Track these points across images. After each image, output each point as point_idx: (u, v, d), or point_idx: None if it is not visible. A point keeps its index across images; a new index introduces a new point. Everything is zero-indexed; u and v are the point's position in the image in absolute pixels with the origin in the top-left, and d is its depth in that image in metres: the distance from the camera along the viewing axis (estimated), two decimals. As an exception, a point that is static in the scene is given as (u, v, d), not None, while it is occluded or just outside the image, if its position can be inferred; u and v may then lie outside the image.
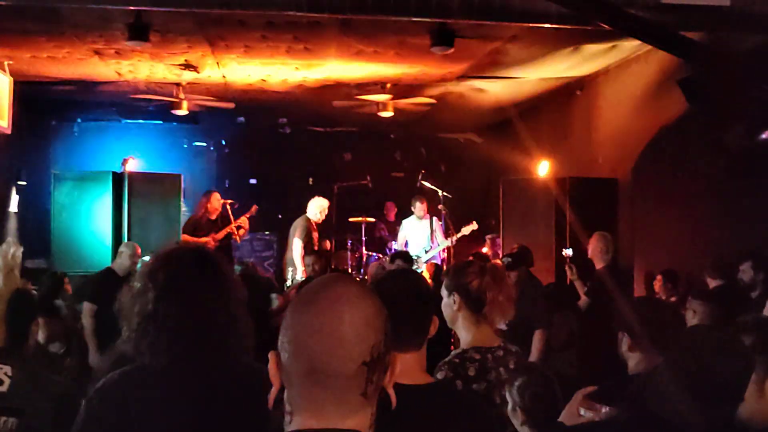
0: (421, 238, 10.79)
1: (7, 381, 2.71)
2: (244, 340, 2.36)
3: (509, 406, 3.20)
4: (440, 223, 10.79)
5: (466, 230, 10.40)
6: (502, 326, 6.78)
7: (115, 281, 7.35)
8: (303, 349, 1.48)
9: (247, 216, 10.79)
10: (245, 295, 2.42)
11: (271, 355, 1.54)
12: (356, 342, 1.47)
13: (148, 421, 2.15)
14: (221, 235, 10.36)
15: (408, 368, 2.40)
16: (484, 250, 10.92)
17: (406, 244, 10.84)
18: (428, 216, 10.79)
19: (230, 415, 2.19)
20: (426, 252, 10.55)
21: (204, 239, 10.02)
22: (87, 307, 7.29)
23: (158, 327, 2.22)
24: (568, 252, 8.23)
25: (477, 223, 10.52)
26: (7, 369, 2.74)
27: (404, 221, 11.07)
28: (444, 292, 3.33)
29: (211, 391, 2.20)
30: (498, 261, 8.81)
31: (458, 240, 10.52)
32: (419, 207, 10.77)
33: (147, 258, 8.03)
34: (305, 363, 1.47)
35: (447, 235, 10.73)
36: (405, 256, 7.99)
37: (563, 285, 8.10)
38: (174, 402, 2.17)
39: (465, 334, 3.26)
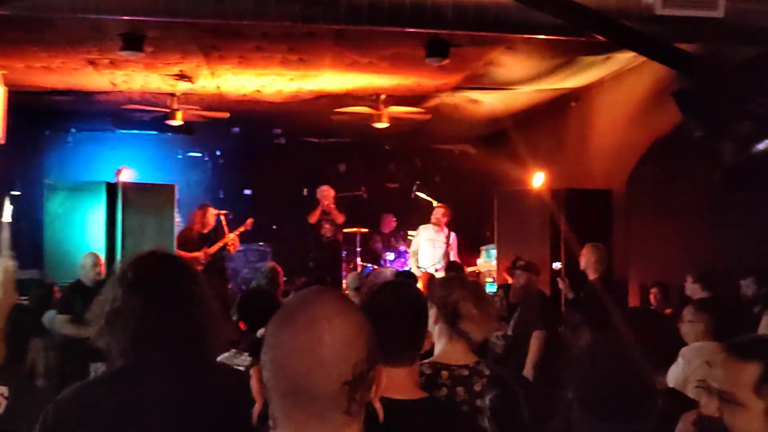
0: (434, 251, 10.31)
1: (3, 403, 2.65)
2: (213, 344, 2.36)
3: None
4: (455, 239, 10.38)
5: (480, 264, 10.27)
6: (509, 331, 6.86)
7: (87, 293, 7.35)
8: (282, 369, 1.46)
9: (242, 229, 10.79)
10: (216, 305, 2.40)
11: (253, 371, 1.52)
12: (336, 362, 1.44)
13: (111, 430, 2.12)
14: (214, 249, 10.36)
15: (399, 382, 2.38)
16: (479, 261, 10.89)
17: (418, 253, 10.48)
18: (445, 228, 10.32)
19: (194, 416, 2.16)
20: (436, 271, 9.98)
21: (196, 254, 10.02)
22: (61, 318, 7.33)
23: (123, 324, 2.21)
24: (558, 265, 8.25)
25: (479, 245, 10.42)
26: (4, 390, 2.68)
27: (421, 227, 10.60)
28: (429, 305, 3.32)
29: (176, 393, 2.17)
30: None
31: (457, 253, 10.46)
32: (437, 211, 10.36)
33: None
34: (285, 383, 1.45)
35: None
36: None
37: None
38: (137, 407, 2.14)
39: (437, 347, 3.20)
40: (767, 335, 4.67)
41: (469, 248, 11.10)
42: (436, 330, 3.19)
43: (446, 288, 3.24)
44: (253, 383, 1.51)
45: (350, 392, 1.45)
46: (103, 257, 8.15)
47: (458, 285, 3.24)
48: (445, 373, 3.09)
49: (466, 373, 3.11)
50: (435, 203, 10.78)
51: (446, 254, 10.22)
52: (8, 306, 2.90)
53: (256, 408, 1.50)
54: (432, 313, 3.19)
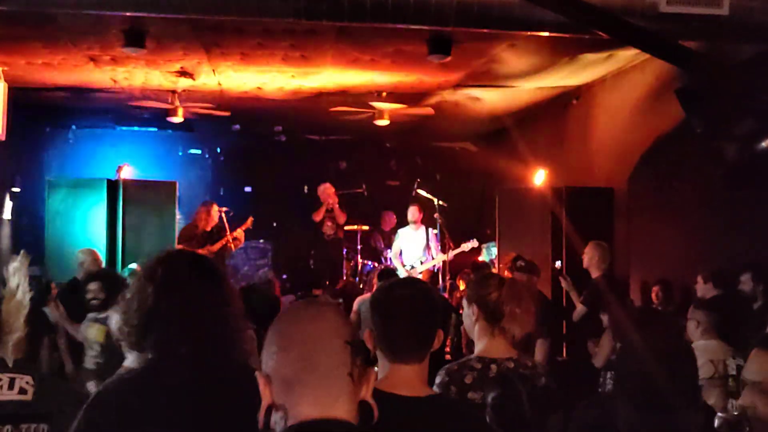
0: (415, 248, 10.71)
1: (30, 390, 2.79)
2: (242, 344, 2.36)
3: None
4: (435, 233, 10.70)
5: (465, 247, 10.34)
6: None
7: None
8: (289, 340, 1.65)
9: (243, 228, 10.80)
10: (241, 304, 2.40)
11: (258, 376, 1.66)
12: (336, 327, 1.67)
13: (148, 425, 2.13)
14: (217, 247, 10.37)
15: (409, 380, 2.37)
16: (481, 258, 10.89)
17: (401, 254, 10.80)
18: (422, 224, 10.73)
19: (229, 416, 2.17)
20: (421, 263, 10.51)
21: (199, 251, 10.02)
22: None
23: (162, 322, 2.21)
24: (557, 264, 8.26)
25: (477, 240, 10.48)
26: (28, 378, 2.82)
27: (400, 230, 11.00)
28: (464, 303, 3.35)
29: (211, 392, 2.18)
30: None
31: (438, 246, 10.57)
32: (411, 211, 10.75)
33: (134, 265, 8.05)
34: (294, 353, 1.63)
35: (443, 245, 10.71)
36: (390, 274, 7.77)
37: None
38: (174, 404, 2.15)
39: (478, 344, 3.25)
40: None
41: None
42: (476, 328, 3.24)
43: (485, 287, 3.28)
44: (261, 386, 1.65)
45: (352, 353, 1.64)
46: (101, 254, 8.13)
47: (497, 284, 3.27)
48: (494, 366, 3.12)
49: (512, 365, 3.16)
50: (436, 201, 10.84)
51: (427, 248, 10.61)
52: (27, 306, 2.98)
53: (263, 408, 1.64)
54: (472, 311, 3.22)
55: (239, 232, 10.68)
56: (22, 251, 3.07)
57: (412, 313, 2.42)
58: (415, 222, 10.74)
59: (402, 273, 10.50)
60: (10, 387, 2.80)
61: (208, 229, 10.48)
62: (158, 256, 2.38)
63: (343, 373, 1.61)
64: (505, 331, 3.20)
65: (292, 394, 1.60)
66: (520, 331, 3.23)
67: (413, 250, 10.73)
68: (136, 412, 2.13)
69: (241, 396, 2.16)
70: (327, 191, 11.83)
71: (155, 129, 13.01)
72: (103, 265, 8.00)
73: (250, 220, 10.94)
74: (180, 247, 9.85)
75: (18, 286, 2.98)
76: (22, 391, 2.78)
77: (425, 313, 2.46)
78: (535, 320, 3.40)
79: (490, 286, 3.26)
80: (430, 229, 10.69)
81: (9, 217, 10.99)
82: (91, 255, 7.78)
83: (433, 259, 10.52)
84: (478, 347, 3.24)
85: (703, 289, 6.65)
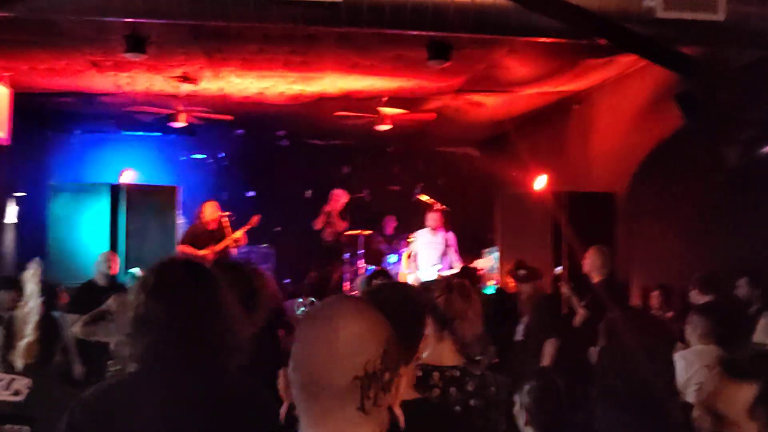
0: (432, 252, 10.51)
1: (25, 392, 2.82)
2: (235, 353, 2.33)
3: (515, 406, 3.21)
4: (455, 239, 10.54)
5: (480, 263, 10.29)
6: (519, 336, 6.82)
7: (98, 292, 7.40)
8: (301, 361, 1.55)
9: (248, 227, 10.78)
10: (240, 313, 2.41)
11: (281, 373, 1.67)
12: (348, 356, 1.52)
13: (130, 430, 2.14)
14: (219, 247, 10.36)
15: None
16: (481, 264, 10.88)
17: (416, 257, 10.66)
18: (442, 229, 10.56)
19: (213, 423, 2.18)
20: (437, 271, 10.25)
21: (203, 252, 10.03)
22: (72, 318, 7.31)
23: (151, 329, 2.22)
24: (559, 269, 8.27)
25: (482, 247, 10.43)
26: (27, 381, 2.85)
27: (417, 232, 10.82)
28: None
29: (196, 401, 2.18)
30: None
31: (457, 252, 10.50)
32: (432, 217, 10.57)
33: (136, 270, 8.10)
34: (304, 375, 1.54)
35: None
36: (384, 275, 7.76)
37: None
38: (158, 412, 2.16)
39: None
40: (765, 351, 4.66)
41: (471, 251, 11.08)
42: None
43: (433, 291, 3.24)
44: (281, 383, 1.67)
45: (362, 388, 1.51)
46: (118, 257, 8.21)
47: (445, 288, 3.24)
48: (436, 374, 3.07)
49: (457, 373, 3.10)
50: (438, 205, 10.83)
51: (444, 254, 10.43)
52: (38, 311, 3.01)
53: (283, 408, 1.66)
54: None
55: (240, 233, 10.67)
56: (36, 259, 3.10)
57: (399, 316, 2.43)
58: (432, 227, 10.55)
59: (412, 278, 10.34)
60: (7, 388, 2.84)
61: (210, 228, 10.46)
62: (154, 264, 2.40)
63: (351, 408, 1.51)
64: (453, 335, 3.15)
65: (301, 412, 1.56)
66: (471, 333, 3.19)
67: (428, 254, 10.51)
68: (118, 417, 2.15)
69: (228, 402, 2.18)
70: (337, 197, 11.82)
71: (158, 134, 13.02)
72: (117, 269, 8.05)
73: (255, 218, 10.88)
74: (183, 246, 9.87)
75: (32, 294, 3.02)
76: (16, 392, 2.80)
77: (412, 316, 2.47)
78: (482, 322, 3.37)
79: (438, 290, 3.22)
80: (450, 234, 10.50)
81: (12, 221, 11.02)
82: (103, 257, 7.87)
83: (450, 267, 10.34)
84: (424, 353, 3.17)
85: (694, 296, 6.66)
